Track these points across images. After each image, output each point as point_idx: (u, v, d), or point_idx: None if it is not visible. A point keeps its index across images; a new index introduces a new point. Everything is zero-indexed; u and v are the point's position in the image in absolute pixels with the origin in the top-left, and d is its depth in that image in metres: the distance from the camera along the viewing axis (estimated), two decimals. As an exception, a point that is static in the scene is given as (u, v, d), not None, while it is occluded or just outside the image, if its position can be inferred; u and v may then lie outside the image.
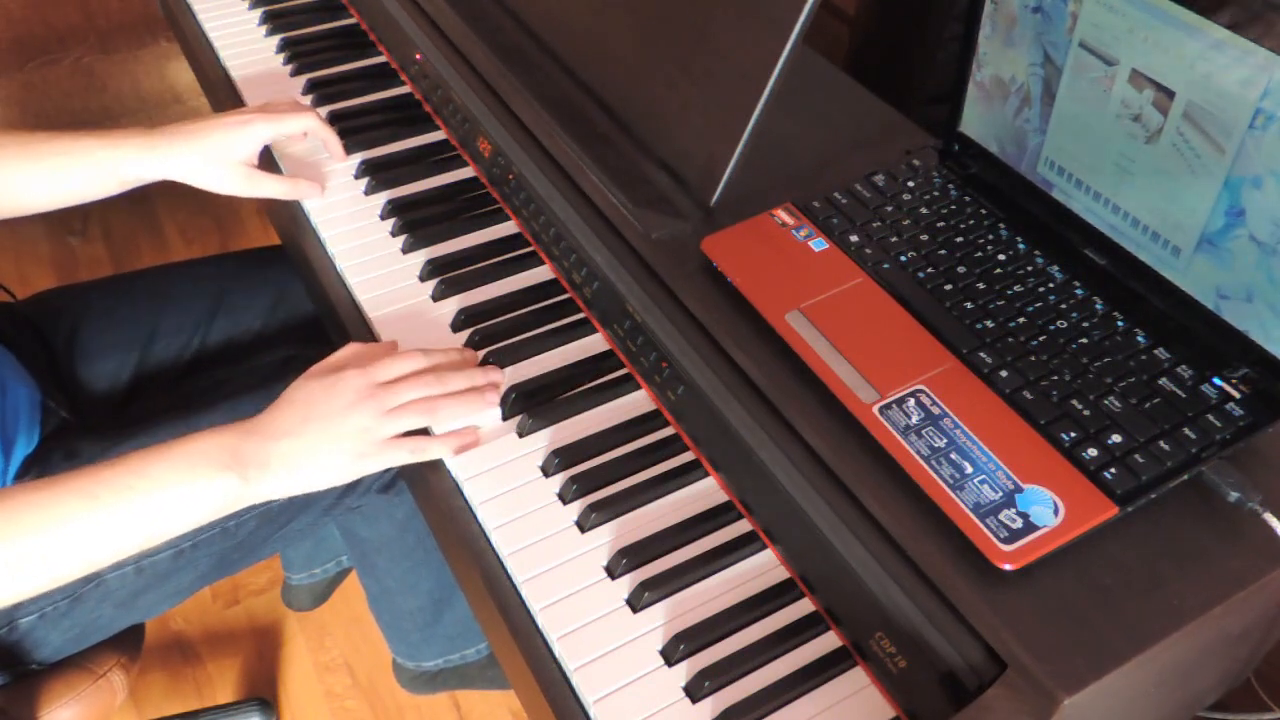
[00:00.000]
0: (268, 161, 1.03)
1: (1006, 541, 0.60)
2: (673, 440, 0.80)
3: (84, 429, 0.98)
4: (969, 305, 0.73)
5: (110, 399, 1.07)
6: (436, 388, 0.79)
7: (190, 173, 0.95)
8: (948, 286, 0.75)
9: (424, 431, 0.80)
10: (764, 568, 0.73)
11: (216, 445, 0.74)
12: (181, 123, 0.95)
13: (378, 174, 1.02)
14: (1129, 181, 0.71)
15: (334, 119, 1.08)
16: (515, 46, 0.98)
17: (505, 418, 0.82)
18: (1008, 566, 0.60)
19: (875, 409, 0.67)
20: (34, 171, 0.92)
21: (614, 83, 0.90)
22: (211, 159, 0.95)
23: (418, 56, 1.10)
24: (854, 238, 0.79)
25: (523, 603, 0.71)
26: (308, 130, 1.00)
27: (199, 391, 1.10)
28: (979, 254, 0.77)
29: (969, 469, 0.64)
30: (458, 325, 0.88)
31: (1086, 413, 0.66)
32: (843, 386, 0.69)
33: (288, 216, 1.00)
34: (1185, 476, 0.64)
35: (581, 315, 0.89)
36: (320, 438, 0.76)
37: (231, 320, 1.13)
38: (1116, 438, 0.64)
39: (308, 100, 1.12)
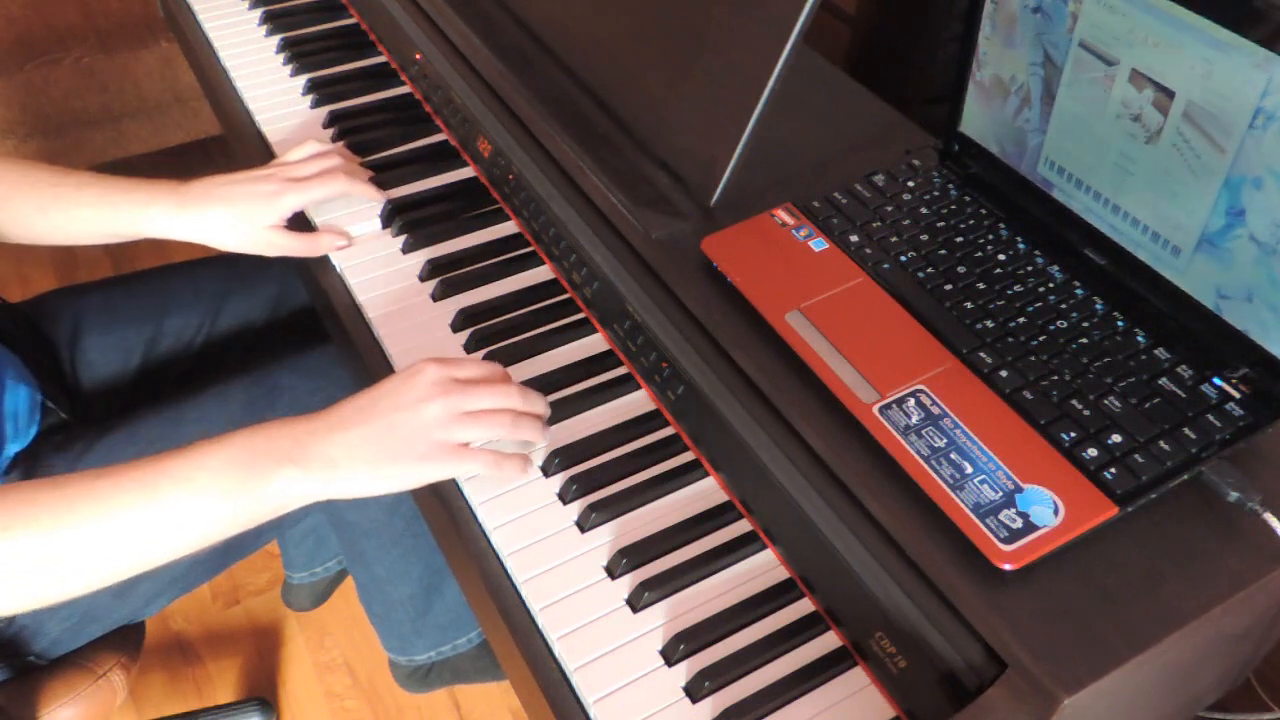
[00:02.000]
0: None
1: (1006, 541, 0.60)
2: (673, 440, 0.80)
3: (82, 426, 0.98)
4: (969, 305, 0.73)
5: (114, 399, 1.07)
6: (518, 400, 0.75)
7: (214, 237, 0.94)
8: (948, 286, 0.75)
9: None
10: (764, 568, 0.73)
11: (280, 437, 0.70)
12: (210, 181, 0.94)
13: (378, 175, 1.02)
14: (1129, 181, 0.71)
15: (334, 119, 1.08)
16: (515, 46, 0.99)
17: (505, 418, 0.82)
18: (1008, 566, 0.60)
19: (875, 409, 0.67)
20: (61, 217, 0.92)
21: (614, 82, 0.90)
22: (231, 226, 0.93)
23: (418, 56, 1.10)
24: (854, 238, 0.79)
25: (523, 603, 0.71)
26: (341, 194, 0.97)
27: (201, 390, 1.10)
28: (979, 254, 0.77)
29: (969, 469, 0.64)
30: (458, 325, 0.88)
31: (1086, 413, 0.66)
32: (843, 386, 0.69)
33: (288, 216, 1.00)
34: (1185, 476, 0.64)
35: (581, 315, 0.89)
36: (386, 433, 0.70)
37: (233, 319, 1.13)
38: (1116, 438, 0.64)
39: (308, 100, 1.12)
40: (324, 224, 0.97)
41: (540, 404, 0.79)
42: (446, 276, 0.92)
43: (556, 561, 0.73)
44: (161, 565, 0.92)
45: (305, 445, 0.70)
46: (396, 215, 0.98)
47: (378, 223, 0.98)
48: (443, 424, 0.72)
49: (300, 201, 0.94)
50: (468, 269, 0.93)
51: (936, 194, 0.82)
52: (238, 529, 0.70)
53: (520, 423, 0.75)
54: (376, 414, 0.71)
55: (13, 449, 0.92)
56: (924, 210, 0.81)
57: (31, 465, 0.92)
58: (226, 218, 0.92)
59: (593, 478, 0.77)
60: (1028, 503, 0.62)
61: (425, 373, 0.73)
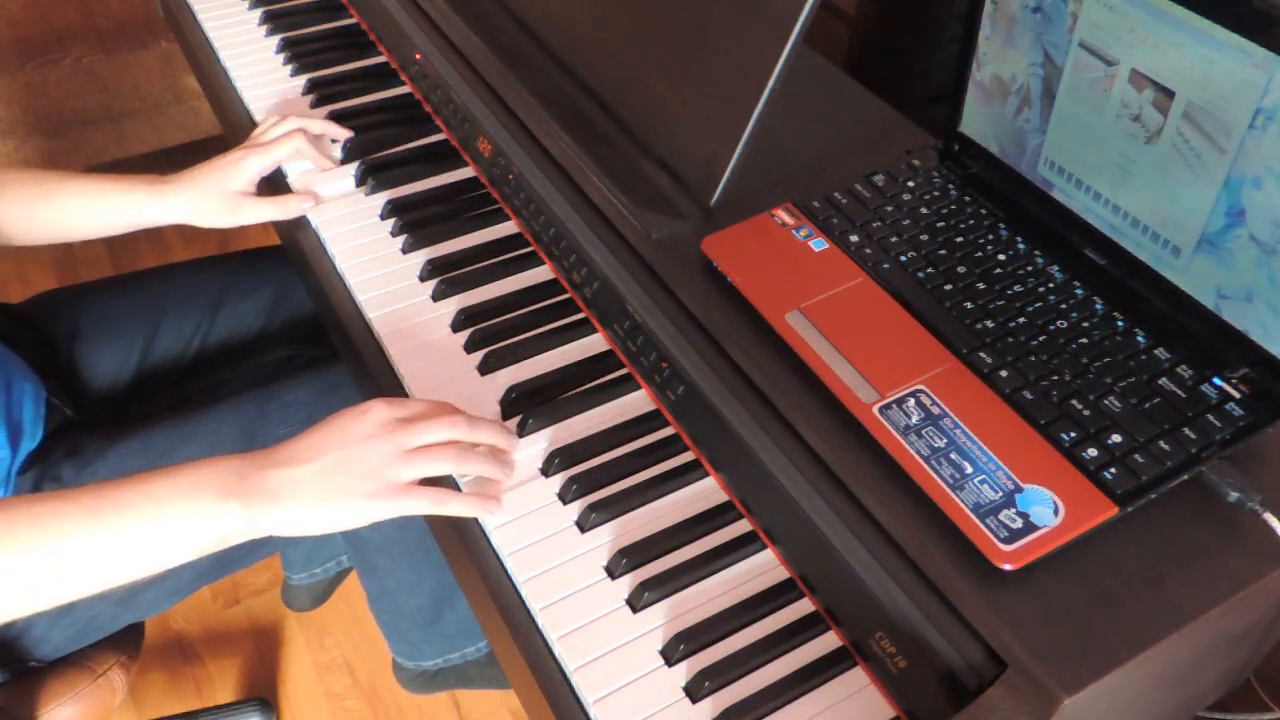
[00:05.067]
0: (279, 184, 1.04)
1: (1006, 541, 0.60)
2: (673, 440, 0.80)
3: (87, 427, 0.99)
4: (969, 305, 0.73)
5: (111, 399, 1.07)
6: (465, 432, 0.75)
7: (188, 215, 0.99)
8: (948, 286, 0.75)
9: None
10: (764, 568, 0.73)
11: (225, 471, 0.70)
12: (191, 168, 1.00)
13: (378, 174, 1.02)
14: (1129, 181, 0.71)
15: (334, 119, 1.08)
16: (515, 46, 0.99)
17: (505, 417, 0.81)
18: (1008, 566, 0.60)
19: (875, 409, 0.67)
20: (45, 209, 0.96)
21: (614, 82, 0.90)
22: (205, 198, 0.98)
23: (418, 56, 1.10)
24: (854, 238, 0.79)
25: (523, 603, 0.71)
26: (298, 152, 1.01)
27: (199, 391, 1.10)
28: (979, 254, 0.77)
29: (969, 469, 0.64)
30: (458, 325, 0.88)
31: (1086, 413, 0.66)
32: (843, 386, 0.69)
33: (288, 216, 1.00)
34: (1185, 476, 0.64)
35: (581, 315, 0.89)
36: (331, 471, 0.71)
37: (231, 320, 1.13)
38: (1116, 438, 0.64)
39: (308, 100, 1.12)
40: (296, 186, 1.01)
41: (495, 435, 0.76)
42: (446, 276, 0.92)
43: (556, 561, 0.73)
44: (160, 574, 0.92)
45: (250, 482, 0.70)
46: (396, 215, 0.98)
47: (350, 181, 1.02)
48: (388, 463, 0.71)
49: (262, 162, 0.99)
50: (468, 269, 0.93)
51: (936, 194, 0.82)
52: (185, 559, 0.70)
53: (466, 457, 0.74)
54: (323, 451, 0.71)
55: (26, 447, 0.92)
56: (924, 210, 0.81)
57: (44, 469, 0.92)
58: (201, 192, 0.98)
59: (593, 478, 0.77)
60: (1028, 503, 0.62)
61: (372, 412, 0.73)
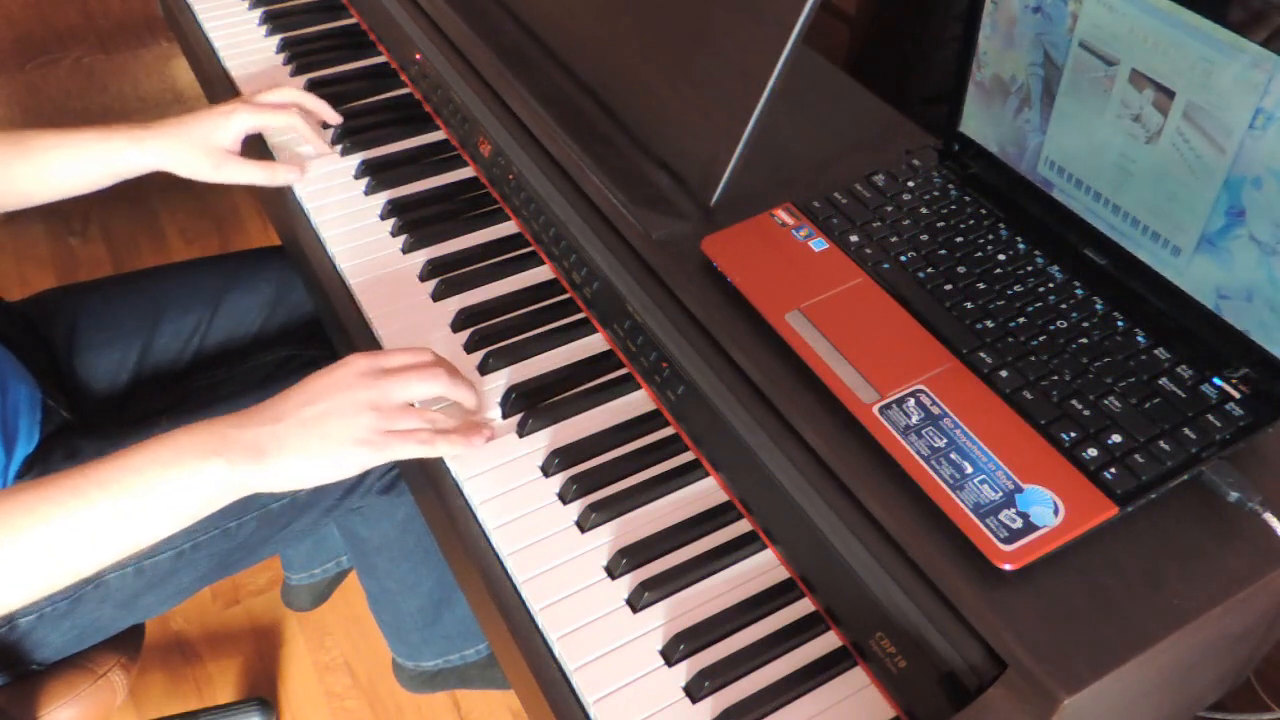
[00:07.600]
0: (261, 152, 1.04)
1: (1006, 541, 0.60)
2: (673, 440, 0.80)
3: (84, 428, 0.98)
4: (969, 305, 0.73)
5: (109, 399, 1.07)
6: (446, 384, 0.77)
7: (169, 160, 0.97)
8: (948, 286, 0.75)
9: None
10: (764, 568, 0.73)
11: (205, 433, 0.71)
12: (177, 116, 0.99)
13: (378, 174, 1.02)
14: (1129, 181, 0.71)
15: (334, 119, 1.08)
16: (515, 46, 0.99)
17: (505, 417, 0.82)
18: (1008, 566, 0.60)
19: (875, 409, 0.67)
20: (26, 167, 0.94)
21: (614, 82, 0.90)
22: (188, 145, 0.97)
23: (418, 56, 1.10)
24: (854, 238, 0.79)
25: (523, 603, 0.71)
26: (292, 126, 1.02)
27: (198, 391, 1.10)
28: (979, 254, 0.77)
29: (969, 469, 0.64)
30: (458, 325, 0.88)
31: (1086, 413, 0.66)
32: (843, 386, 0.69)
33: (287, 216, 1.00)
34: (1185, 476, 0.64)
35: (581, 315, 0.89)
36: (315, 423, 0.72)
37: (230, 320, 1.13)
38: (1116, 438, 0.64)
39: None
40: (282, 154, 1.02)
41: (468, 394, 0.79)
42: (446, 276, 0.92)
43: (556, 561, 0.73)
44: (161, 576, 0.92)
45: (231, 439, 0.71)
46: (396, 215, 0.98)
47: (342, 169, 1.03)
48: (371, 412, 0.73)
49: (253, 121, 0.99)
50: (468, 269, 0.93)
51: (936, 194, 0.82)
52: (175, 526, 0.71)
53: (436, 440, 0.76)
54: (305, 404, 0.73)
55: (22, 451, 0.92)
56: (924, 210, 0.81)
57: (42, 472, 0.91)
58: (184, 138, 0.97)
59: (593, 478, 0.77)
60: (1028, 503, 0.62)
61: (351, 364, 0.75)
